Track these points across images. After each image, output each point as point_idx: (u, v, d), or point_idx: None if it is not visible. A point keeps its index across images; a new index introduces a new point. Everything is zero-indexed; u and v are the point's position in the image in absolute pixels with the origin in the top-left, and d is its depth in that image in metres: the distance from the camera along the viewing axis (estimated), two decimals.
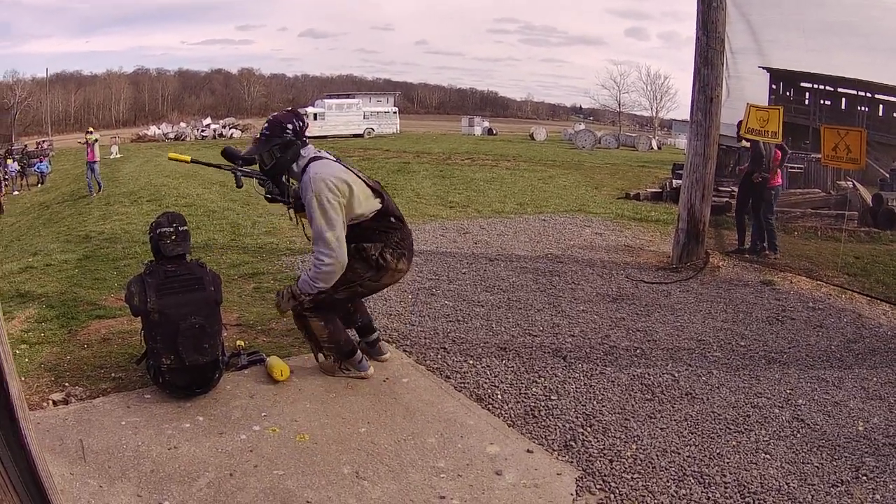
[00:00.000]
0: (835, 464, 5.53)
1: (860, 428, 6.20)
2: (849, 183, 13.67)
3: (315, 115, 63.21)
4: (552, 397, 6.52)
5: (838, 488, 5.19)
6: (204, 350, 5.88)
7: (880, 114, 12.27)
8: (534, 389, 6.66)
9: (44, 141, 64.05)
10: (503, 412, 6.17)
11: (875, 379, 7.35)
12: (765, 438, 5.91)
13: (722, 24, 11.62)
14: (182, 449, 5.17)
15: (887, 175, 12.69)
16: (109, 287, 9.75)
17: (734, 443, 5.82)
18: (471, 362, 7.26)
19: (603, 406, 6.38)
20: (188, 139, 68.16)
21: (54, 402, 5.95)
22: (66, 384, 6.29)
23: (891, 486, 5.24)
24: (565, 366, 7.28)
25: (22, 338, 7.49)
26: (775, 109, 11.92)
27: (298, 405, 5.96)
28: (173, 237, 6.00)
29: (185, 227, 6.16)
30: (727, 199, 15.29)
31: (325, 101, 72.63)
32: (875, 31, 10.39)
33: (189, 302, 5.83)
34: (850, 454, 5.70)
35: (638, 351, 7.86)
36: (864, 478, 5.34)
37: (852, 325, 9.19)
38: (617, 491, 5.00)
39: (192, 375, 5.91)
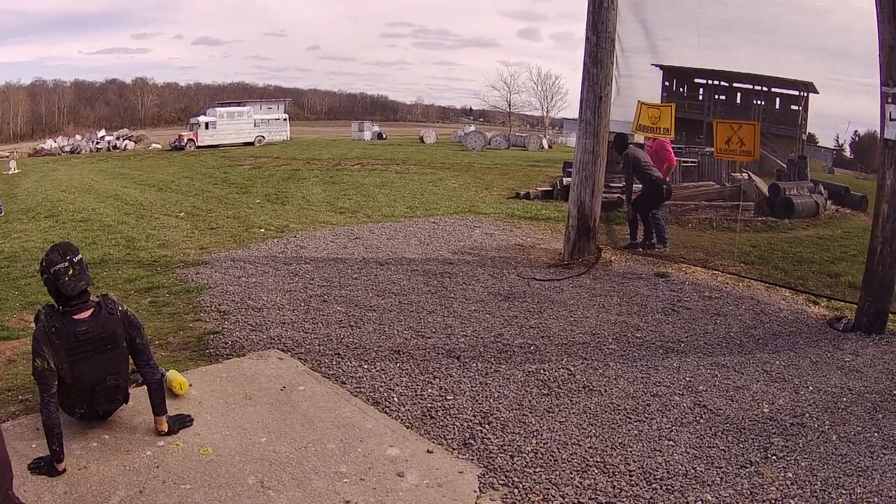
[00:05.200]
0: (741, 446, 5.52)
1: (765, 410, 6.21)
2: (744, 175, 13.80)
3: (206, 125, 62.38)
4: (448, 397, 6.40)
5: (747, 469, 5.17)
6: (117, 400, 5.58)
7: (777, 107, 12.38)
8: (429, 390, 6.55)
9: None
10: (400, 414, 6.08)
11: (777, 362, 7.38)
12: (667, 426, 5.87)
13: (613, 24, 11.59)
14: (92, 469, 5.03)
15: (784, 166, 12.82)
16: (11, 308, 9.30)
17: (636, 432, 5.77)
18: (365, 367, 7.11)
19: (500, 403, 6.28)
20: (83, 152, 66.31)
21: None
22: None
23: (802, 464, 5.24)
24: (459, 366, 7.15)
25: None
26: (667, 106, 11.98)
27: (200, 418, 5.82)
28: (70, 272, 5.33)
29: (79, 256, 5.54)
30: (618, 194, 15.25)
31: (217, 109, 71.40)
32: (771, 28, 10.44)
33: (104, 363, 5.33)
34: (757, 436, 5.70)
35: (532, 347, 7.74)
36: (774, 458, 5.35)
37: (751, 312, 9.21)
38: (520, 486, 4.93)
39: (102, 417, 5.60)
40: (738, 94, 12.97)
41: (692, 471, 5.09)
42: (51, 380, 4.97)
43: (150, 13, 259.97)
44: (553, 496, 4.80)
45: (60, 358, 5.04)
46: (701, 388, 6.65)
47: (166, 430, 5.48)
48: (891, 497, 4.86)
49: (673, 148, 13.19)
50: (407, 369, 7.04)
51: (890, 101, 8.22)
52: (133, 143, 70.11)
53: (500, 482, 4.99)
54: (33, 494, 4.69)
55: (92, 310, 5.27)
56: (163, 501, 4.64)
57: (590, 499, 4.77)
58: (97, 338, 5.21)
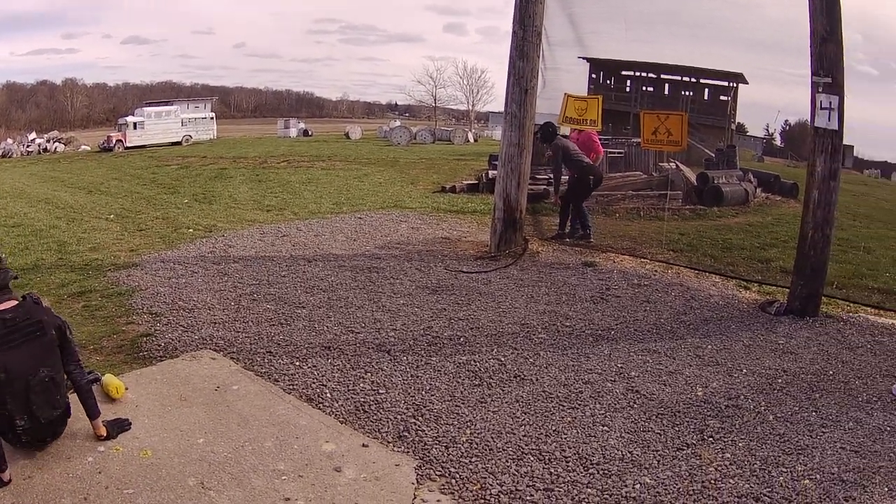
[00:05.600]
0: (677, 429, 5.54)
1: (699, 393, 6.23)
2: (672, 164, 13.88)
3: (135, 125, 61.30)
4: (380, 391, 6.35)
5: (684, 451, 5.18)
6: (57, 402, 5.23)
7: (706, 97, 12.48)
8: (361, 385, 6.49)
9: None
10: (334, 410, 6.02)
11: (710, 347, 7.42)
12: (601, 412, 5.87)
13: (539, 18, 11.55)
14: (36, 478, 4.93)
15: (713, 155, 12.92)
16: None
17: (569, 419, 5.75)
18: (297, 364, 7.03)
19: (432, 395, 6.25)
20: (14, 156, 64.74)
21: None
22: None
23: (740, 445, 5.26)
24: (390, 359, 7.10)
25: None
26: (594, 98, 12.03)
27: (137, 422, 5.68)
28: None
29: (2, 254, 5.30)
30: (545, 186, 15.24)
31: (145, 109, 70.10)
32: (702, 21, 10.50)
33: (34, 353, 5.05)
34: (693, 419, 5.72)
35: (462, 339, 7.70)
36: (711, 439, 5.37)
37: (681, 298, 9.26)
38: (457, 476, 4.91)
39: (46, 431, 5.26)
40: (666, 86, 13.05)
41: (629, 455, 5.09)
42: None
43: (79, 12, 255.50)
44: (490, 484, 4.78)
45: None
46: (633, 373, 6.66)
47: (105, 434, 5.32)
48: (833, 473, 4.90)
49: (600, 139, 13.18)
50: (338, 365, 6.96)
51: (820, 90, 8.38)
52: (63, 146, 68.83)
53: (437, 473, 4.97)
54: None
55: (16, 301, 5.09)
56: None
57: (527, 486, 4.75)
58: (24, 325, 5.00)
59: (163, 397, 6.12)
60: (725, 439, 5.32)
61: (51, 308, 5.32)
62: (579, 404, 5.97)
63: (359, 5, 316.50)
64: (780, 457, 5.06)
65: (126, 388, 6.15)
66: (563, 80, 12.31)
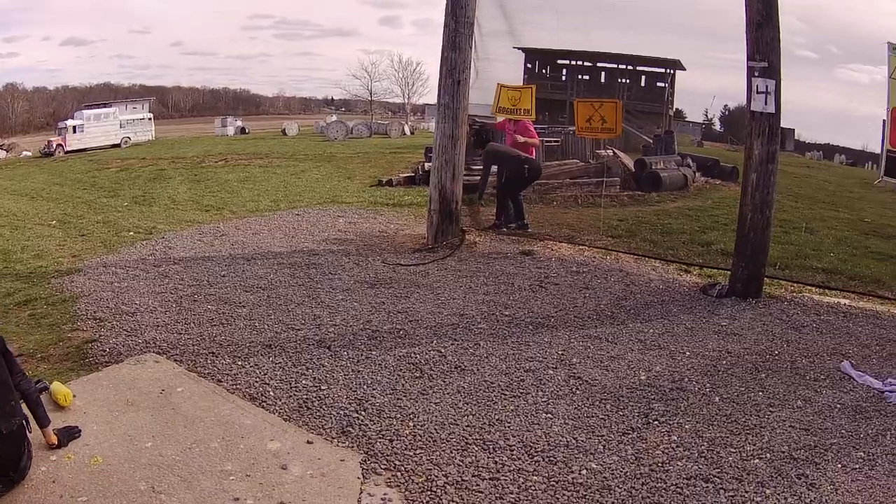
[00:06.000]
0: (621, 413, 5.54)
1: (643, 377, 6.23)
2: (608, 151, 13.94)
3: (74, 128, 60.60)
4: (322, 387, 6.32)
5: (629, 435, 5.18)
6: (11, 408, 4.95)
7: (642, 84, 12.56)
8: (303, 382, 6.46)
9: None
10: (277, 408, 5.99)
11: (651, 331, 7.43)
12: (543, 399, 5.87)
13: (472, 9, 11.51)
14: None
15: (651, 141, 13.00)
16: None
17: (512, 407, 5.75)
18: (239, 363, 6.97)
19: (374, 389, 6.23)
20: None
21: None
22: None
23: (686, 427, 5.28)
24: (331, 355, 7.06)
25: None
26: (527, 88, 12.05)
27: (87, 428, 5.60)
28: None
29: None
30: (479, 177, 15.17)
31: (84, 112, 69.44)
32: (636, 9, 10.52)
33: None
34: (637, 403, 5.73)
35: (401, 332, 7.68)
36: (656, 423, 5.38)
37: (620, 284, 9.27)
38: (403, 468, 4.92)
39: (8, 449, 4.90)
40: (602, 74, 13.14)
41: (573, 441, 5.08)
42: None
43: (18, 14, 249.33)
44: (436, 476, 4.77)
45: None
46: (574, 360, 6.65)
47: (56, 442, 5.21)
48: (783, 452, 4.94)
49: (535, 128, 13.17)
50: (280, 363, 6.92)
51: (756, 74, 8.48)
52: (4, 152, 67.81)
53: (383, 467, 4.96)
54: None
55: None
56: None
57: (473, 476, 4.74)
58: None
59: (110, 403, 6.05)
60: (671, 422, 5.31)
61: None
62: (521, 392, 5.97)
63: (293, 0, 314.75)
64: (728, 437, 5.07)
65: (74, 396, 6.08)
66: (496, 71, 12.32)
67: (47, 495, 4.73)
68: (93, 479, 4.89)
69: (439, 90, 11.75)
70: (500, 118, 12.81)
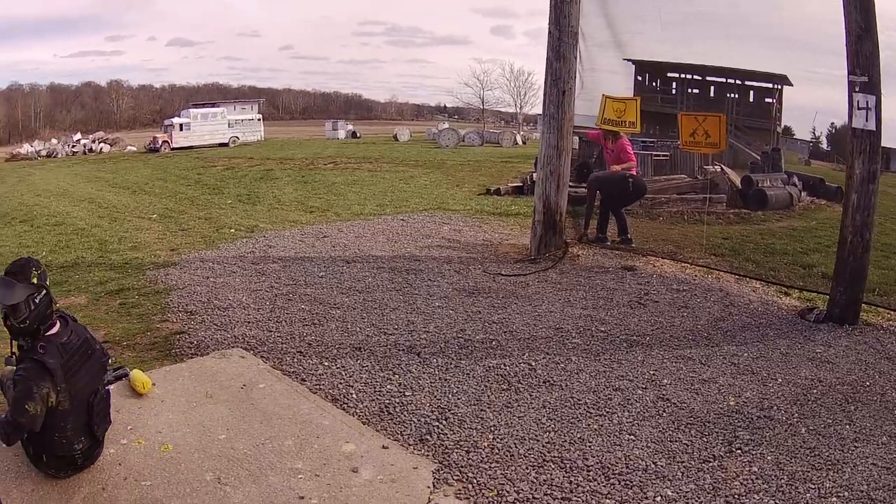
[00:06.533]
0: (705, 440, 5.40)
1: (731, 403, 6.08)
2: (716, 167, 13.70)
3: (181, 126, 62.11)
4: (406, 393, 6.31)
5: (710, 463, 5.04)
6: (108, 416, 5.16)
7: (751, 99, 12.31)
8: (388, 387, 6.45)
9: None
10: (358, 411, 5.99)
11: (745, 355, 7.24)
12: (628, 420, 5.75)
13: (575, 18, 11.43)
14: None
15: (759, 158, 12.74)
16: None
17: (596, 426, 5.64)
18: (326, 364, 7.01)
19: (458, 399, 6.19)
20: (59, 156, 65.65)
21: None
22: None
23: (769, 458, 5.11)
24: (420, 362, 7.05)
25: None
26: (632, 100, 11.88)
27: (162, 417, 5.78)
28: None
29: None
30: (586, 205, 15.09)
31: (191, 110, 70.76)
32: (739, 19, 10.32)
33: (91, 371, 4.93)
34: (722, 429, 5.57)
35: (494, 343, 7.61)
36: (739, 451, 5.22)
37: (719, 304, 9.08)
38: (475, 481, 4.86)
39: (99, 444, 5.09)
40: (712, 88, 12.89)
41: (652, 465, 4.97)
42: (38, 425, 4.52)
43: (123, 15, 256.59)
44: (507, 491, 4.71)
45: (58, 379, 4.56)
46: (665, 381, 6.52)
47: None
48: (862, 492, 4.74)
49: (645, 142, 13.06)
50: (367, 366, 6.93)
51: (857, 89, 8.16)
52: (108, 146, 69.55)
53: (455, 478, 4.92)
54: (1, 490, 4.67)
55: (58, 323, 4.88)
56: (124, 498, 4.65)
57: (545, 494, 4.67)
58: (78, 346, 4.85)
59: (189, 394, 6.17)
60: (754, 452, 5.17)
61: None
62: (607, 412, 5.87)
63: (404, 7, 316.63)
64: (808, 472, 4.91)
65: (153, 384, 6.20)
66: (603, 81, 12.20)
67: (111, 476, 4.87)
68: (160, 465, 5.02)
69: (544, 100, 11.75)
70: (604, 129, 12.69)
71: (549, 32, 11.47)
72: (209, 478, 4.88)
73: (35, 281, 4.63)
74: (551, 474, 4.88)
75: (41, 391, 4.43)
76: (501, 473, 4.92)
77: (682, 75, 13.13)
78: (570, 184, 12.40)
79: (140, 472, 4.91)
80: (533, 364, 6.92)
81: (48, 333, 4.70)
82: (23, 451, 4.83)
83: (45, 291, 4.67)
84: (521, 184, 21.43)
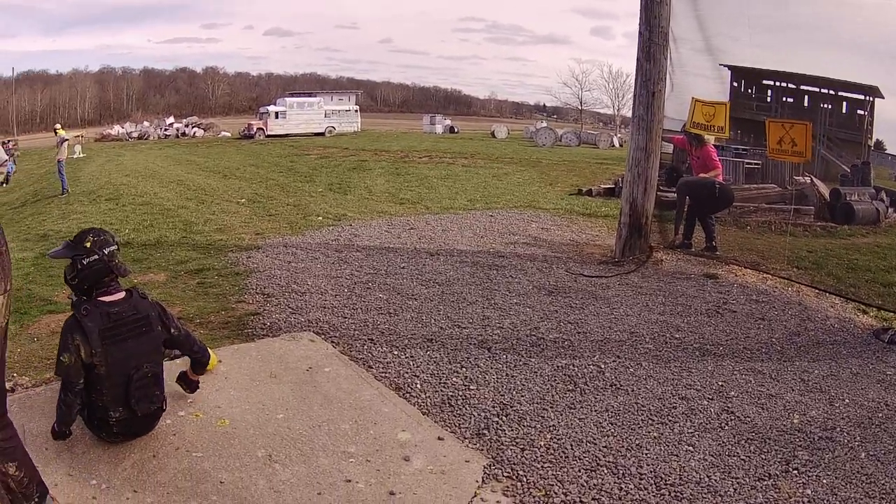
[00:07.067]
0: (763, 457, 5.32)
1: (795, 421, 5.98)
2: (806, 178, 13.51)
3: (276, 114, 63.33)
4: (471, 387, 6.35)
5: (765, 482, 4.97)
6: (156, 397, 5.21)
7: (843, 110, 12.11)
8: (454, 379, 6.51)
9: (9, 141, 62.34)
10: (420, 401, 6.07)
11: (817, 371, 7.13)
12: (689, 430, 5.70)
13: (665, 19, 11.40)
14: None
15: (848, 171, 12.53)
16: (61, 283, 9.30)
17: (655, 434, 5.61)
18: (395, 353, 7.10)
19: (521, 396, 6.21)
20: (151, 138, 67.26)
21: None
22: (14, 374, 6.29)
23: (824, 481, 5.01)
24: (489, 356, 7.09)
25: None
26: (722, 104, 11.75)
27: (223, 393, 6.00)
28: (119, 254, 5.15)
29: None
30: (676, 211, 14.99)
31: (287, 99, 72.29)
32: (835, 28, 10.15)
33: (139, 348, 5.07)
34: (782, 447, 5.49)
35: (566, 342, 7.61)
36: (795, 472, 5.13)
37: (797, 318, 8.97)
38: (524, 479, 4.88)
39: (141, 424, 5.26)
40: (805, 97, 12.69)
41: (706, 479, 4.93)
42: (76, 378, 4.79)
43: (220, 4, 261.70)
44: (555, 492, 4.71)
45: (93, 342, 4.77)
46: (732, 393, 6.45)
47: (197, 380, 5.72)
48: None
49: (737, 149, 12.92)
50: (435, 357, 7.01)
51: None
52: (202, 131, 70.95)
53: (505, 474, 4.95)
54: (53, 452, 4.90)
55: (123, 294, 5.09)
56: (173, 466, 4.82)
57: (592, 499, 4.66)
58: (131, 320, 5.01)
59: (254, 373, 6.37)
60: (810, 474, 5.08)
61: (157, 303, 5.36)
62: (670, 420, 5.83)
63: (505, 4, 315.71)
64: (862, 499, 4.79)
65: (220, 361, 6.44)
66: (694, 85, 12.04)
67: (164, 445, 5.08)
68: (214, 438, 5.22)
69: (634, 101, 11.78)
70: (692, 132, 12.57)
71: (640, 33, 11.46)
72: (260, 454, 5.04)
73: (88, 245, 4.90)
74: (602, 479, 4.87)
75: (73, 343, 4.75)
76: (552, 474, 4.92)
77: (777, 83, 12.95)
78: (660, 188, 12.37)
79: (193, 444, 5.12)
80: (602, 366, 6.91)
81: (101, 298, 4.93)
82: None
83: (96, 257, 4.89)
84: (612, 185, 21.35)
